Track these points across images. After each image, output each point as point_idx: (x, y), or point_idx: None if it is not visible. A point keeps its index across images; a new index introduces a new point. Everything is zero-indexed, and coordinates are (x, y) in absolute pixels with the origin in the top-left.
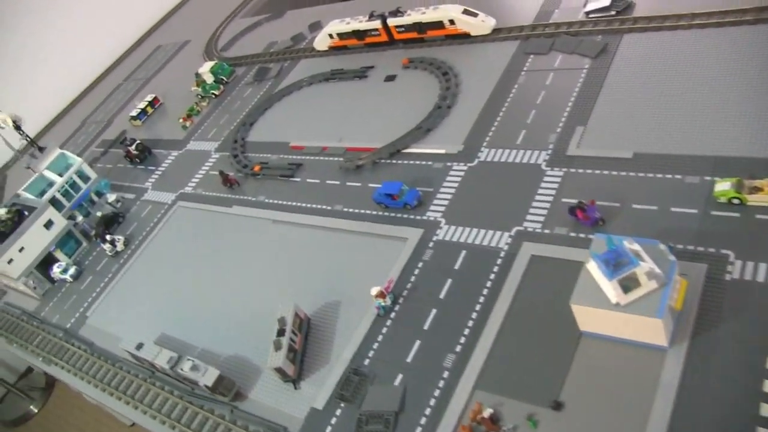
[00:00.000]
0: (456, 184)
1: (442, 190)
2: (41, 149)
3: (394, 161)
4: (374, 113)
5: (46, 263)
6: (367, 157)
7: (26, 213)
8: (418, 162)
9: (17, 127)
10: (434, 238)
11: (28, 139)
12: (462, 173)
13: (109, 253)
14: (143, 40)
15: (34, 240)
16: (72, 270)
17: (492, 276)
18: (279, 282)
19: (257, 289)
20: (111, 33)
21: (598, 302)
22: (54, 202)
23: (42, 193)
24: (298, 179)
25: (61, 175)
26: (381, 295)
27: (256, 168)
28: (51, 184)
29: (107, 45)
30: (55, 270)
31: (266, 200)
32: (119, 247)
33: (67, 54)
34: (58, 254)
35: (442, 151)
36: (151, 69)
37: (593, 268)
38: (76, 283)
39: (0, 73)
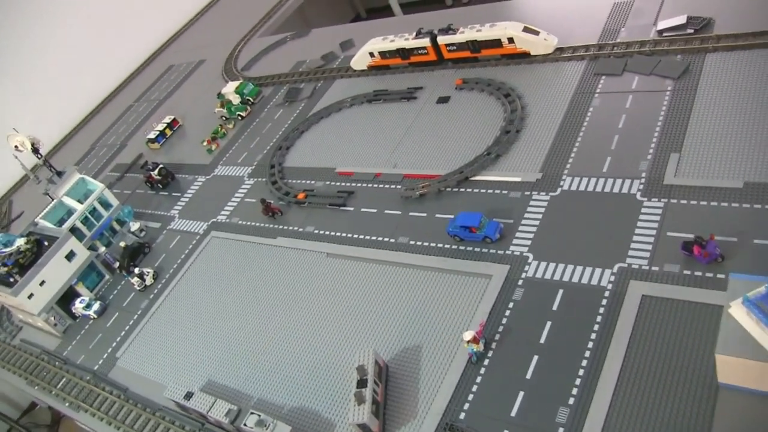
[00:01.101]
0: (540, 216)
1: (525, 221)
2: (59, 174)
3: (461, 189)
4: (429, 137)
5: (66, 298)
6: (432, 184)
7: (46, 243)
8: (490, 191)
9: (35, 150)
10: (523, 276)
11: (46, 163)
12: (545, 203)
13: (138, 288)
14: (152, 59)
15: (56, 273)
16: (96, 305)
17: (599, 318)
18: (342, 322)
19: (317, 331)
20: (118, 52)
21: (752, 353)
22: (74, 231)
23: (61, 221)
24: (350, 208)
25: (80, 202)
26: (474, 340)
27: (300, 195)
28: (71, 211)
29: (114, 65)
30: (78, 305)
31: (316, 231)
32: (148, 281)
33: (72, 74)
34: (80, 288)
35: (518, 179)
36: (164, 89)
37: (741, 313)
38: (100, 319)
39: (5, 94)
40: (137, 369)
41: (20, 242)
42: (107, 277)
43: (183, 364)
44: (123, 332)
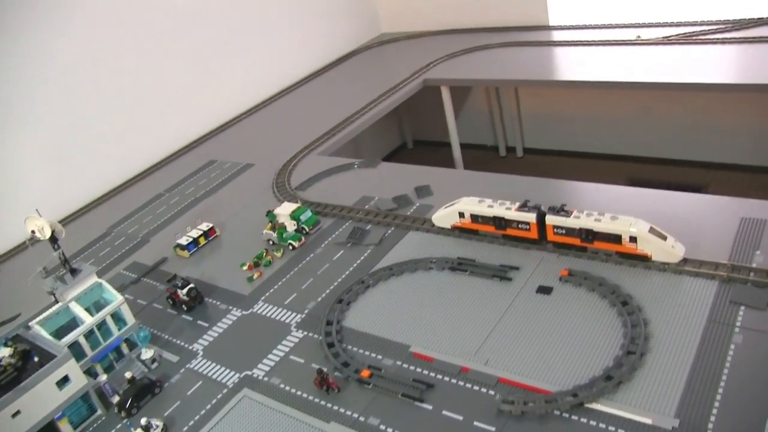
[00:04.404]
0: None
1: None
2: (73, 271)
3: (573, 417)
4: (529, 335)
5: None
6: (537, 402)
7: (35, 358)
8: (612, 428)
9: (54, 240)
10: None
11: (62, 257)
12: None
13: None
14: (192, 147)
15: (38, 402)
16: None
17: None
18: None
19: None
20: (154, 130)
21: None
22: (71, 347)
23: (59, 331)
24: (428, 407)
25: (89, 312)
26: None
27: (365, 373)
28: (75, 321)
29: (148, 143)
30: None
31: (382, 426)
32: None
33: (100, 143)
34: (63, 425)
35: (648, 422)
36: (202, 186)
37: None
38: None
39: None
40: None
41: (4, 353)
42: (99, 412)
43: None
44: None
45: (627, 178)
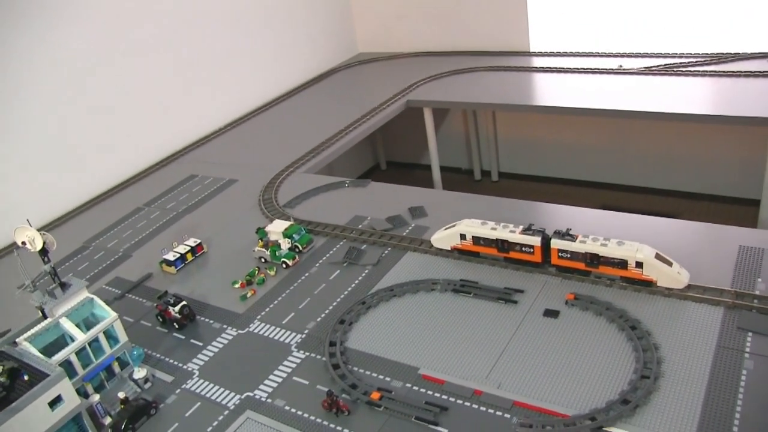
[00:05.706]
0: None
1: None
2: (63, 286)
3: None
4: (539, 358)
5: None
6: (555, 426)
7: (25, 376)
8: None
9: (44, 252)
10: None
11: (52, 270)
12: None
13: None
14: (170, 160)
15: (30, 423)
16: None
17: None
18: None
19: None
20: (130, 143)
21: None
22: (61, 365)
23: (48, 349)
24: (444, 430)
25: (80, 328)
26: None
27: (375, 395)
28: (65, 338)
29: (123, 157)
30: None
31: None
32: None
33: (76, 155)
34: None
35: None
36: (183, 201)
37: None
38: None
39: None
40: None
41: None
42: None
43: None
44: None
45: (600, 205)
